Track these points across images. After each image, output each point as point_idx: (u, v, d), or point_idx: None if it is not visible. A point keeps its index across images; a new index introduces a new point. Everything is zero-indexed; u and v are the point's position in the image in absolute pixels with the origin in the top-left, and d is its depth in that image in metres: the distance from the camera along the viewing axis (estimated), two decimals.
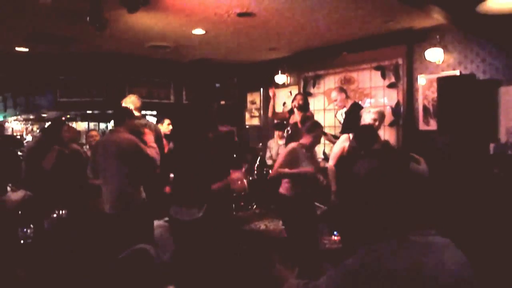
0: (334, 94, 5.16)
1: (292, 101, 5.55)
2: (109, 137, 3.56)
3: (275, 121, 6.52)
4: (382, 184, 1.16)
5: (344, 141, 3.96)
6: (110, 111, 6.55)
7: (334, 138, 5.04)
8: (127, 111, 3.66)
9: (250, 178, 6.43)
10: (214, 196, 3.20)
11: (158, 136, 4.04)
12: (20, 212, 3.45)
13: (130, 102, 4.08)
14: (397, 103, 5.64)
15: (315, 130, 3.64)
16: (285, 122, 5.81)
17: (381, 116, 4.07)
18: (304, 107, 5.35)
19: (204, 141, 3.20)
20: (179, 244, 3.23)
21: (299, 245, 3.44)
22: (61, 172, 4.04)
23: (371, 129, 3.72)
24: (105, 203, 3.36)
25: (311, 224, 3.58)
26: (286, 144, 4.92)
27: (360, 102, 5.59)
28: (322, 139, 5.76)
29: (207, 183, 3.13)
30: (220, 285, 3.05)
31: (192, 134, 3.27)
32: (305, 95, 5.89)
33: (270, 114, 5.91)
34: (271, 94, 5.72)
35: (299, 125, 4.91)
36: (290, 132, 5.25)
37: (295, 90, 7.22)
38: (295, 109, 5.37)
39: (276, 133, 6.72)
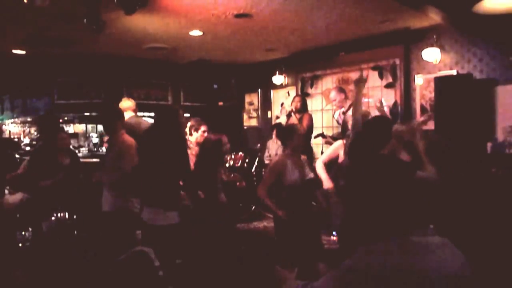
0: (333, 94, 5.12)
1: (291, 104, 5.52)
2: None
3: (274, 122, 6.46)
4: (381, 185, 1.16)
5: (339, 148, 3.86)
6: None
7: (333, 140, 5.01)
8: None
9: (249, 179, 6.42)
10: (199, 199, 3.17)
11: None
12: (18, 215, 3.44)
13: (128, 104, 4.16)
14: (395, 103, 5.65)
15: (293, 137, 3.39)
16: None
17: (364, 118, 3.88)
18: (302, 109, 5.33)
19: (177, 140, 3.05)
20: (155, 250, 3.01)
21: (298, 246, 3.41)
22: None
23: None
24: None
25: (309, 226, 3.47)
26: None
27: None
28: (320, 140, 5.76)
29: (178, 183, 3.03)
30: (220, 286, 3.05)
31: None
32: (303, 96, 5.82)
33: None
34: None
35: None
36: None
37: (293, 90, 7.23)
38: (292, 113, 5.33)
39: (275, 133, 6.70)
